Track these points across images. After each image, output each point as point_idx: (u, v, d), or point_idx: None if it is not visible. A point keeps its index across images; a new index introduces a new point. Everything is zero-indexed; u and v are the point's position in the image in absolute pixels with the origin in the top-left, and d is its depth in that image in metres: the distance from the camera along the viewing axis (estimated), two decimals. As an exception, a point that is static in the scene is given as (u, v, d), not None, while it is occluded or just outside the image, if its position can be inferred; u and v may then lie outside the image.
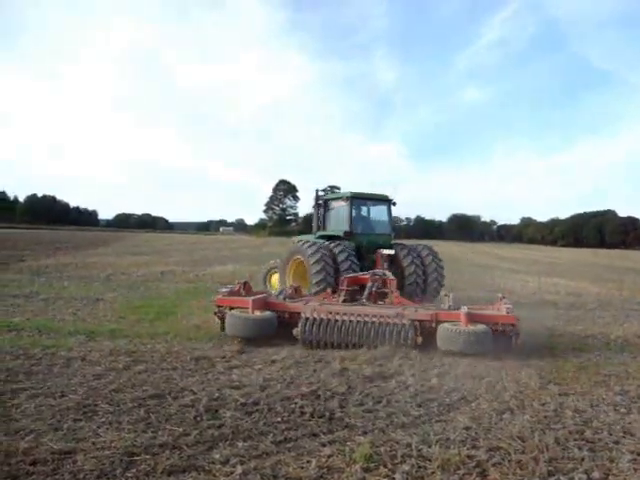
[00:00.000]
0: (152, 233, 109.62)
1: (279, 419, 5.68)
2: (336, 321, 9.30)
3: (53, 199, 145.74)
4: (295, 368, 7.82)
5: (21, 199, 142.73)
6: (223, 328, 9.60)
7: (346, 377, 7.42)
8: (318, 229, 15.43)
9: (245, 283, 10.91)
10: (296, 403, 6.20)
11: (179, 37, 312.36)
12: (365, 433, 5.41)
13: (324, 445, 5.07)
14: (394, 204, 15.03)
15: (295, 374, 7.48)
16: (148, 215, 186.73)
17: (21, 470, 4.25)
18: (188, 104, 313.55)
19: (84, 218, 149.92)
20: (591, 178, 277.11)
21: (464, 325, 8.87)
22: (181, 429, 5.23)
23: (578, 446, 5.21)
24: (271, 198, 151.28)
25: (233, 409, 5.89)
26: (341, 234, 13.92)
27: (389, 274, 11.69)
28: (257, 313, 9.46)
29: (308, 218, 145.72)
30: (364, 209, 14.92)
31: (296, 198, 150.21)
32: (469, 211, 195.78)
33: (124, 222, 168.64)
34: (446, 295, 10.57)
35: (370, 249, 13.90)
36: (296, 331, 9.32)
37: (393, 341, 9.03)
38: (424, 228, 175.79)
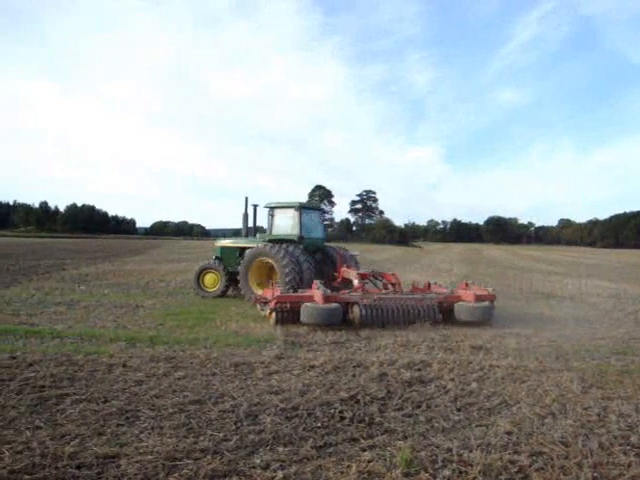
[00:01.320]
0: (189, 240, 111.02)
1: (319, 424, 5.74)
2: (385, 306, 12.02)
3: (92, 209, 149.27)
4: (334, 373, 7.87)
5: (62, 209, 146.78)
6: (277, 321, 11.69)
7: (385, 382, 7.45)
8: (248, 232, 18.09)
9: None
10: (336, 408, 6.25)
11: (211, 47, 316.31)
12: (405, 438, 5.42)
13: (364, 450, 5.09)
14: (324, 212, 17.93)
15: (334, 379, 7.53)
16: (185, 223, 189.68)
17: (68, 473, 4.39)
18: (223, 113, 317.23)
19: (122, 227, 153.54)
20: (631, 178, 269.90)
21: (473, 302, 12.38)
22: (222, 434, 5.32)
23: (624, 451, 5.13)
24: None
25: (273, 414, 5.97)
26: (294, 238, 15.94)
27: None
28: (326, 304, 11.57)
29: (344, 223, 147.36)
30: (307, 217, 16.83)
31: (332, 203, 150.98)
32: (506, 213, 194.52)
33: (161, 230, 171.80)
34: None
35: (312, 250, 16.30)
36: (352, 316, 11.94)
37: (425, 318, 12.06)
38: (461, 231, 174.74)
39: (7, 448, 4.77)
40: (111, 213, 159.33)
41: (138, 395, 6.48)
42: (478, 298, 12.45)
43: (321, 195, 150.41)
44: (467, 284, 13.69)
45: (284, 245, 15.37)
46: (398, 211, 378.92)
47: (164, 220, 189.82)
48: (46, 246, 52.34)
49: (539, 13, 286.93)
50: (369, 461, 4.81)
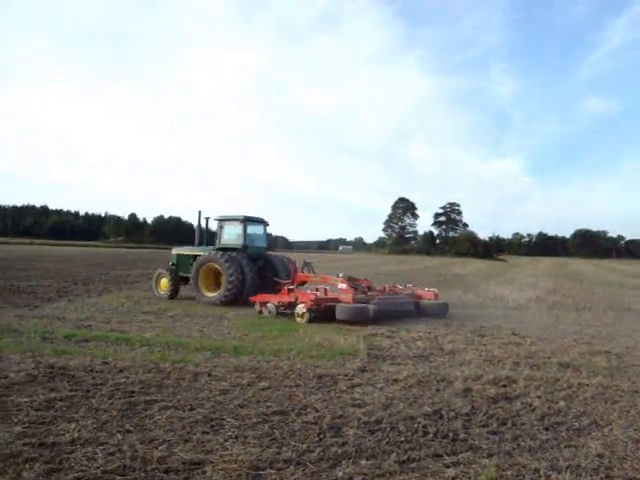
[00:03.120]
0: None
1: (402, 438, 5.72)
2: (386, 304, 15.00)
3: (178, 220, 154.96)
4: (417, 387, 7.83)
5: (149, 220, 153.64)
6: (310, 320, 13.92)
7: (469, 397, 7.36)
8: (201, 242, 20.59)
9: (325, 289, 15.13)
10: (419, 423, 6.22)
11: (294, 61, 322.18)
12: (490, 455, 5.33)
13: (448, 466, 5.05)
14: (268, 224, 20.41)
15: (417, 393, 7.49)
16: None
17: (156, 477, 4.61)
18: (305, 125, 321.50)
19: (208, 238, 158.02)
20: None
21: (434, 300, 16.26)
22: (305, 445, 5.41)
23: None
24: (390, 216, 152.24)
25: (356, 427, 5.99)
26: (239, 247, 18.51)
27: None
28: (356, 304, 14.12)
29: (428, 235, 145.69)
30: (251, 228, 19.48)
31: (415, 216, 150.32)
32: (595, 226, 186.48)
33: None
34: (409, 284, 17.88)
35: (255, 258, 18.78)
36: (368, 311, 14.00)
37: (409, 312, 15.45)
38: (546, 244, 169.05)
39: (100, 449, 5.06)
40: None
41: (223, 404, 6.68)
42: (437, 297, 16.37)
43: (404, 208, 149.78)
44: (406, 286, 17.35)
45: (229, 253, 17.79)
46: (482, 224, 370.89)
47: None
48: (135, 256, 54.92)
49: (632, 15, 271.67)
50: (453, 478, 4.77)
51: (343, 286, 15.10)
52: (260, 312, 15.28)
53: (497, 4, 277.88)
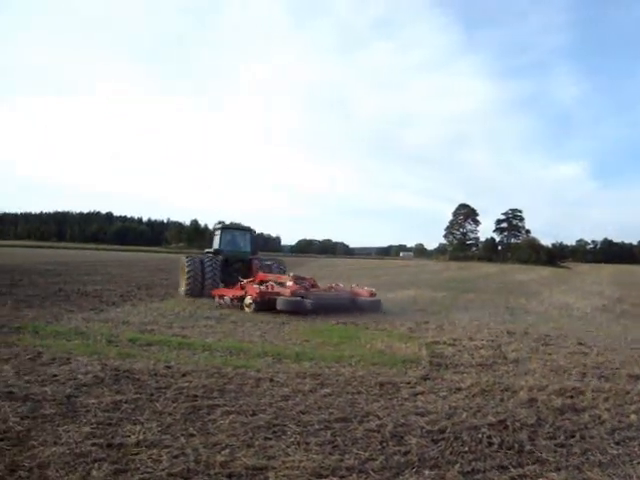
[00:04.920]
0: (332, 258, 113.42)
1: (466, 448, 5.66)
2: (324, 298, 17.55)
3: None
4: (481, 396, 7.73)
5: (210, 227, 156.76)
6: (256, 310, 16.54)
7: (535, 408, 7.23)
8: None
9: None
10: (483, 433, 6.13)
11: (353, 67, 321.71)
12: (558, 469, 5.21)
13: (514, 479, 4.96)
14: (254, 232, 24.31)
15: (481, 403, 7.40)
16: (329, 240, 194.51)
17: (219, 481, 4.69)
18: (364, 131, 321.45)
19: (269, 244, 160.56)
20: None
21: (368, 297, 18.27)
22: (367, 453, 5.41)
23: None
24: (451, 223, 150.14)
25: (419, 436, 5.96)
26: (215, 251, 22.40)
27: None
28: (293, 297, 16.57)
29: (489, 242, 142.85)
30: (231, 236, 23.30)
31: (476, 222, 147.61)
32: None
33: (306, 247, 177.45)
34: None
35: (233, 260, 22.25)
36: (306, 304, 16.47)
37: (345, 307, 17.42)
38: (612, 251, 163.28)
39: (165, 452, 5.21)
40: (258, 231, 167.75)
41: (285, 410, 6.75)
42: (371, 294, 18.45)
43: (466, 214, 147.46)
44: (352, 286, 19.85)
45: (199, 255, 22.89)
46: (545, 230, 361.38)
47: (308, 238, 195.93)
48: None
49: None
50: (520, 492, 4.66)
51: (289, 283, 17.71)
52: (219, 304, 18.30)
53: (560, 4, 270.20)
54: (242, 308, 17.22)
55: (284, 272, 21.49)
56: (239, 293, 17.94)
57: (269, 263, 22.60)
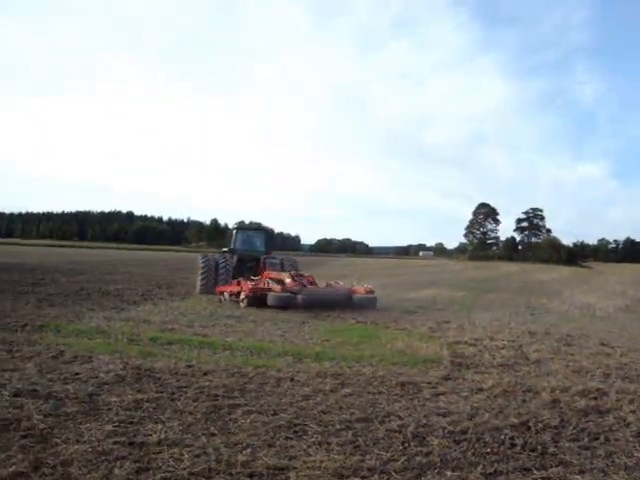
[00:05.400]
0: (352, 258, 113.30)
1: (488, 450, 5.61)
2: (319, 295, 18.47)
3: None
4: (503, 397, 7.67)
5: (230, 226, 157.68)
6: (249, 304, 17.45)
7: (558, 409, 7.15)
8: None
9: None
10: (506, 434, 6.08)
11: (372, 66, 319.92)
12: (582, 472, 5.14)
13: (537, 481, 4.89)
14: (272, 232, 25.70)
15: (503, 403, 7.34)
16: (348, 240, 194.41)
17: (241, 481, 4.70)
18: (383, 130, 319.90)
19: (288, 243, 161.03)
20: None
21: (365, 294, 18.73)
22: (389, 454, 5.38)
23: None
24: (471, 222, 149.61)
25: (441, 437, 5.93)
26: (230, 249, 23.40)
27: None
28: (283, 293, 17.42)
29: (510, 241, 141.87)
30: (246, 235, 24.33)
31: (497, 221, 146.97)
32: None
33: (325, 247, 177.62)
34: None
35: (247, 259, 23.09)
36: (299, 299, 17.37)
37: (343, 304, 18.02)
38: (635, 251, 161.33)
39: (187, 451, 5.23)
40: (277, 230, 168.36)
41: (306, 410, 6.75)
42: (368, 292, 18.84)
43: (486, 213, 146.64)
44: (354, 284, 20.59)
45: (214, 255, 23.59)
46: (566, 230, 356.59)
47: (328, 237, 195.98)
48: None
49: None
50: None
51: (288, 280, 18.42)
52: (220, 300, 19.13)
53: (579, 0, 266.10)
54: (239, 303, 18.02)
55: (296, 269, 22.01)
56: (236, 289, 18.72)
57: (276, 261, 22.91)
